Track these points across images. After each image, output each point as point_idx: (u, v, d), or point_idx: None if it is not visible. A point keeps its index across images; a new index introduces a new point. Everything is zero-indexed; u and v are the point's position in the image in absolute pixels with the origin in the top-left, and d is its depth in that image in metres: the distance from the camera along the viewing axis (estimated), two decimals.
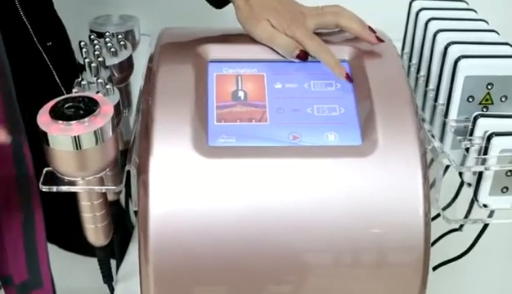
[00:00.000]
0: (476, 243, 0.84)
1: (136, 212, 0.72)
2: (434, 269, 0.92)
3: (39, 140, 0.68)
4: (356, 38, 0.82)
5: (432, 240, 0.72)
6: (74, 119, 0.67)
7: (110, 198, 0.84)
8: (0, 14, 0.80)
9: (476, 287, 1.33)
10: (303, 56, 0.78)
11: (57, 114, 0.68)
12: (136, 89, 0.87)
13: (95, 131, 0.67)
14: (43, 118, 0.67)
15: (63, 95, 0.71)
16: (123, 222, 0.95)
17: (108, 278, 0.85)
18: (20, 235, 0.83)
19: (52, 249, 0.95)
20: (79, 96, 0.70)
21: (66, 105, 0.69)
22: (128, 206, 1.02)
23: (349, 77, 0.77)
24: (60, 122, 0.67)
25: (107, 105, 0.69)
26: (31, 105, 0.71)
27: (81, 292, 1.12)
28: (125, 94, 0.86)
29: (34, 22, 0.84)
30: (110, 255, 0.91)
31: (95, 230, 0.76)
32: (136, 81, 0.87)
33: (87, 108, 0.68)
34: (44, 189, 0.70)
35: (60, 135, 0.66)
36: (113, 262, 0.93)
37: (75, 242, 0.92)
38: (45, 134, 0.67)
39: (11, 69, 0.76)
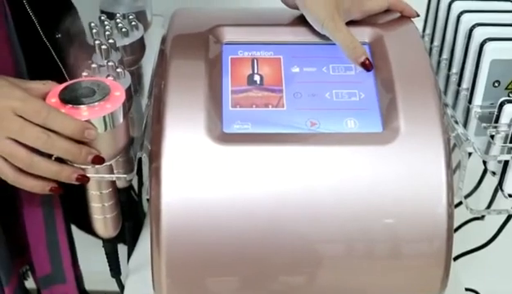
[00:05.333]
0: (499, 234, 0.82)
1: (148, 201, 0.70)
2: (455, 259, 0.91)
3: None
4: (374, 19, 0.79)
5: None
6: (83, 103, 0.66)
7: (121, 184, 0.83)
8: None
9: (499, 278, 1.31)
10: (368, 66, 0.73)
11: (66, 98, 0.67)
12: (148, 72, 0.85)
13: (104, 117, 0.66)
14: (52, 101, 0.66)
15: None
16: (135, 210, 0.93)
17: (116, 271, 0.83)
18: (42, 230, 0.84)
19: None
20: (90, 80, 0.69)
21: (76, 89, 0.68)
22: (140, 193, 1.00)
23: (370, 64, 0.72)
24: (69, 105, 0.66)
25: (118, 90, 0.68)
26: None
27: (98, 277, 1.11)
28: (137, 77, 0.85)
29: (40, 11, 0.79)
30: (121, 240, 0.89)
31: (103, 221, 0.75)
32: (149, 63, 0.85)
33: (98, 92, 0.67)
34: None
35: None
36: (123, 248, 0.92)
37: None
38: None
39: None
